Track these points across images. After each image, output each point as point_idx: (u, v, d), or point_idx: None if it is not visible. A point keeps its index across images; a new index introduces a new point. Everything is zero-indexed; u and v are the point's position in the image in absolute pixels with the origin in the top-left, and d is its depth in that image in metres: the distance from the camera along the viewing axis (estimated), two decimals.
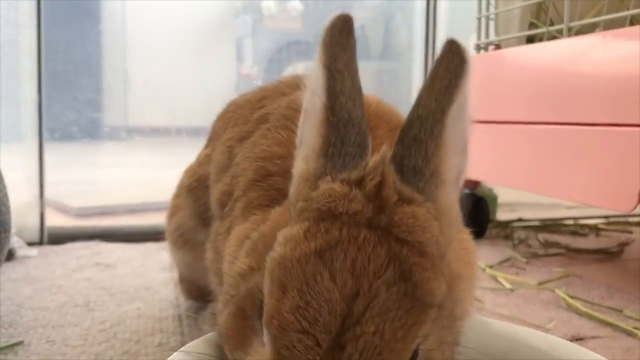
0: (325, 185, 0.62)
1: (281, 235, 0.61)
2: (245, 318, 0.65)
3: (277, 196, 0.80)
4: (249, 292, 0.65)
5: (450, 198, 0.65)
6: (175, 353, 0.72)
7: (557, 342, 0.78)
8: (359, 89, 0.65)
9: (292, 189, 0.68)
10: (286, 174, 0.72)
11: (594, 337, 1.28)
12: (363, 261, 0.56)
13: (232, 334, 0.66)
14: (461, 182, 0.67)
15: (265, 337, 0.59)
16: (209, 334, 0.76)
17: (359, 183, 0.61)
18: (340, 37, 0.64)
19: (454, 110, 0.62)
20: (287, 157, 0.86)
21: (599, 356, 0.74)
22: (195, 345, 0.74)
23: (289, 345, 0.55)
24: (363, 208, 0.59)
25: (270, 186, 0.85)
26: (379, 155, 0.63)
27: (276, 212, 0.75)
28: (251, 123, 1.04)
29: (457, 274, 0.70)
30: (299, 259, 0.57)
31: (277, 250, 0.59)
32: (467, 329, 0.71)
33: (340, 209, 0.60)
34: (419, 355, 0.60)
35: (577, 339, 1.27)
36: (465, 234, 0.86)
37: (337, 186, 0.61)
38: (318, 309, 0.55)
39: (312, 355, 0.54)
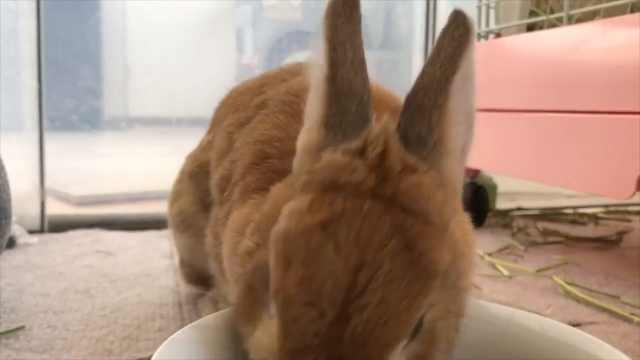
0: (327, 156, 0.62)
1: (285, 209, 0.61)
2: (254, 293, 0.65)
3: (275, 178, 0.79)
4: (256, 268, 0.65)
5: (455, 168, 0.65)
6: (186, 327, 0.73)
7: (548, 323, 0.79)
8: (361, 61, 0.64)
9: (296, 162, 0.68)
10: (284, 156, 0.72)
11: (591, 323, 1.29)
12: (367, 232, 0.56)
13: (242, 309, 0.66)
14: (467, 155, 0.67)
15: (272, 310, 0.59)
16: (221, 311, 0.77)
17: (361, 153, 0.61)
18: (344, 9, 0.64)
19: (458, 79, 0.63)
20: (285, 140, 0.86)
21: (587, 334, 0.74)
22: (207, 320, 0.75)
23: (295, 317, 0.55)
24: (366, 178, 0.59)
25: (267, 169, 0.86)
26: (381, 124, 0.63)
27: (276, 189, 0.75)
28: (250, 109, 1.05)
29: (460, 249, 0.70)
30: (303, 232, 0.57)
31: (282, 223, 0.60)
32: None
33: (343, 180, 0.59)
34: (425, 325, 0.60)
35: (575, 325, 1.28)
36: (464, 217, 0.86)
37: (338, 157, 0.61)
38: (323, 281, 0.55)
39: (317, 327, 0.54)
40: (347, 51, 0.63)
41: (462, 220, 0.84)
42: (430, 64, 0.63)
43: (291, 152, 0.71)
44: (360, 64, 0.64)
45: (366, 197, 0.58)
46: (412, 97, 0.63)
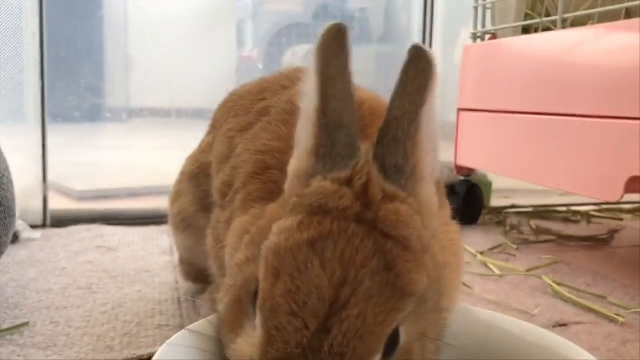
0: (317, 183, 0.66)
1: (276, 227, 0.65)
2: (241, 305, 0.69)
3: (275, 189, 0.83)
4: (245, 281, 0.69)
5: (429, 193, 0.70)
6: (181, 331, 0.77)
7: (529, 328, 0.83)
8: (350, 95, 0.68)
9: (287, 185, 0.72)
10: (284, 167, 0.76)
11: (577, 323, 1.32)
12: (351, 252, 0.60)
13: (228, 318, 0.70)
14: (434, 179, 0.71)
15: (258, 320, 0.63)
16: (211, 316, 0.81)
17: (348, 182, 0.65)
18: (334, 44, 0.68)
19: (426, 111, 0.67)
20: (285, 152, 0.90)
21: (566, 341, 0.78)
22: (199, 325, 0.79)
23: (279, 326, 0.59)
24: (352, 204, 0.64)
25: (268, 179, 0.89)
26: (364, 156, 0.67)
27: (271, 209, 0.79)
28: (252, 114, 1.08)
29: (443, 265, 0.74)
30: (292, 248, 0.61)
31: (272, 239, 0.64)
32: (452, 320, 0.76)
33: (331, 205, 0.64)
34: (401, 346, 0.64)
35: (561, 325, 1.31)
36: (453, 226, 0.90)
37: (328, 184, 0.65)
38: (308, 294, 0.59)
39: (300, 337, 0.58)
40: (336, 85, 0.67)
41: (450, 229, 0.87)
42: (398, 97, 0.67)
43: None
44: (349, 98, 0.68)
45: (351, 221, 0.63)
46: (386, 129, 0.67)
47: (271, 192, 0.83)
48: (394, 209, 0.64)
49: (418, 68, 0.67)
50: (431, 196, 0.70)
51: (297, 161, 0.71)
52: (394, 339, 0.63)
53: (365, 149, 0.68)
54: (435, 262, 0.70)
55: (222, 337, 0.71)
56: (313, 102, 0.68)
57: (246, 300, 0.68)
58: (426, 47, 0.69)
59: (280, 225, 0.65)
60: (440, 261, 0.73)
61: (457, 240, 0.88)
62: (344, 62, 0.68)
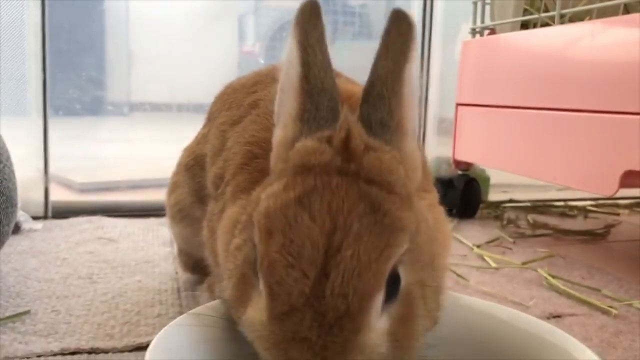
0: (299, 144, 0.69)
1: (264, 193, 0.68)
2: (246, 280, 0.70)
3: (260, 177, 0.85)
4: (246, 258, 0.71)
5: (413, 147, 0.73)
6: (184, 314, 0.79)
7: (517, 315, 0.85)
8: (328, 62, 0.72)
9: (272, 156, 0.75)
10: (269, 155, 0.79)
11: (570, 315, 1.34)
12: (337, 202, 0.63)
13: (236, 296, 0.72)
14: (415, 133, 0.75)
15: (261, 284, 0.65)
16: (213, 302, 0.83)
17: (329, 139, 0.68)
18: (311, 17, 0.72)
19: (408, 69, 0.70)
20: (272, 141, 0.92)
21: (551, 326, 0.80)
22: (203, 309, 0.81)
23: (280, 280, 0.61)
24: (332, 158, 0.66)
25: (254, 169, 0.91)
26: (342, 114, 0.71)
27: (256, 192, 0.81)
28: (243, 108, 1.10)
29: (434, 230, 0.76)
30: (281, 208, 0.64)
31: (262, 205, 0.66)
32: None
33: (313, 162, 0.67)
34: (402, 288, 0.66)
35: (555, 316, 1.33)
36: (439, 209, 0.91)
37: (309, 142, 0.69)
38: (302, 245, 0.61)
39: (301, 286, 0.60)
40: (317, 53, 0.71)
41: (437, 211, 0.89)
42: (382, 57, 0.71)
43: None
44: (328, 65, 0.72)
45: (334, 174, 0.65)
46: (370, 87, 0.71)
47: (257, 181, 0.85)
48: (376, 157, 0.67)
49: (399, 29, 0.70)
50: (414, 150, 0.73)
51: (282, 130, 0.73)
52: (394, 279, 0.65)
53: (345, 109, 0.71)
54: (424, 220, 0.73)
55: (234, 316, 0.72)
56: (296, 70, 0.71)
57: (249, 272, 0.70)
58: (406, 10, 0.72)
59: (268, 191, 0.67)
60: (430, 221, 0.75)
61: (444, 220, 0.90)
62: (321, 33, 0.72)
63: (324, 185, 0.64)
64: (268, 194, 0.67)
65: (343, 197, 0.63)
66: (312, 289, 0.61)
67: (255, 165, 0.91)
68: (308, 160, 0.67)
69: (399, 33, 0.70)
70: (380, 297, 0.63)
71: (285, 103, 0.74)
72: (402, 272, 0.66)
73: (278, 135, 0.74)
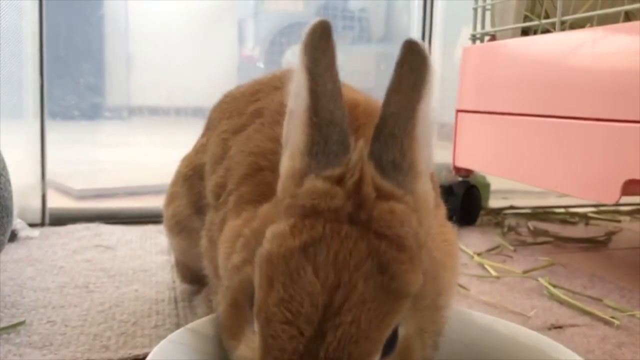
0: (309, 183, 0.66)
1: (269, 232, 0.65)
2: (239, 308, 0.69)
3: (266, 190, 0.83)
4: (242, 283, 0.70)
5: (427, 188, 0.70)
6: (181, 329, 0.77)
7: (522, 331, 0.84)
8: (339, 91, 0.68)
9: (280, 186, 0.72)
10: (276, 168, 0.76)
11: (572, 326, 1.32)
12: (345, 255, 0.60)
13: (228, 323, 0.71)
14: (429, 175, 0.72)
15: (255, 327, 0.63)
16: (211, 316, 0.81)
17: (340, 180, 0.65)
18: (320, 41, 0.67)
19: (422, 107, 0.67)
20: (277, 152, 0.89)
21: (560, 345, 0.78)
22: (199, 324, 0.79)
23: (275, 335, 0.59)
24: (344, 204, 0.63)
25: (260, 181, 0.89)
26: (357, 152, 0.67)
27: (264, 209, 0.79)
28: (245, 116, 1.08)
29: (441, 264, 0.74)
30: (285, 255, 0.61)
31: (265, 246, 0.63)
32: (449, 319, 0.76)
33: (323, 206, 0.63)
34: (399, 342, 0.64)
35: (556, 327, 1.32)
36: (448, 227, 0.90)
37: (319, 183, 0.65)
38: (301, 302, 0.59)
39: (295, 344, 0.59)
40: (326, 82, 0.67)
41: (446, 230, 0.88)
42: (395, 93, 0.67)
43: None
44: (338, 94, 0.68)
45: (344, 222, 0.62)
46: (382, 125, 0.67)
47: (263, 193, 0.83)
48: (389, 208, 0.64)
49: (413, 63, 0.67)
50: (427, 191, 0.70)
51: (290, 161, 0.70)
52: (391, 337, 0.63)
53: (359, 145, 0.67)
54: (432, 259, 0.70)
55: (225, 344, 0.71)
56: (303, 100, 0.68)
57: (244, 302, 0.69)
58: (420, 41, 0.68)
59: (274, 230, 0.64)
60: (437, 258, 0.73)
61: (453, 241, 0.88)
62: (331, 59, 0.68)
63: (332, 234, 0.61)
64: (274, 233, 0.64)
65: (351, 249, 0.61)
66: (306, 347, 0.59)
67: (261, 177, 0.88)
68: (318, 203, 0.64)
69: (412, 68, 0.67)
70: (376, 359, 0.61)
71: (293, 132, 0.71)
72: (401, 327, 0.64)
73: (286, 165, 0.71)
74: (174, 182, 1.35)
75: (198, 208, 1.21)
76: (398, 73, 0.67)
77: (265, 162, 0.91)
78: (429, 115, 0.68)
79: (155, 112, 3.85)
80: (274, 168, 0.83)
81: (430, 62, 0.67)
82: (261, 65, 4.12)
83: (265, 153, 0.92)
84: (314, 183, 0.66)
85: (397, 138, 0.66)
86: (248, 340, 0.66)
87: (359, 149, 0.67)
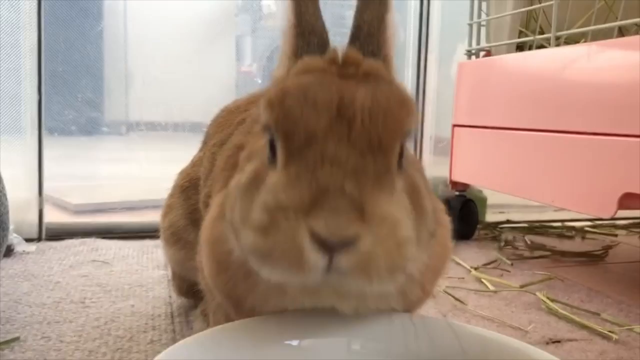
0: (298, 64, 0.75)
1: (271, 85, 0.72)
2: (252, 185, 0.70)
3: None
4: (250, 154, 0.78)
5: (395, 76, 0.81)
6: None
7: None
8: (319, 12, 0.80)
9: (266, 91, 0.78)
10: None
11: (570, 340, 1.32)
12: (341, 83, 0.67)
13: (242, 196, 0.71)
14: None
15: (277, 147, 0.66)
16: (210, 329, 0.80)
17: (329, 58, 0.74)
18: None
19: (389, 16, 0.80)
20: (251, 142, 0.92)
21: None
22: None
23: (296, 119, 0.64)
24: (331, 66, 0.72)
25: (232, 166, 0.91)
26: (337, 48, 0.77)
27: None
28: (232, 126, 1.11)
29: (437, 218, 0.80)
30: (287, 89, 0.67)
31: (269, 91, 0.69)
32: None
33: (313, 67, 0.72)
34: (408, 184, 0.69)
35: (554, 342, 1.31)
36: (444, 221, 0.91)
37: (308, 59, 0.75)
38: (315, 97, 0.64)
39: (319, 119, 0.63)
40: (308, 5, 0.79)
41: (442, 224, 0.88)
42: (364, 8, 0.80)
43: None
44: (318, 14, 0.80)
45: (334, 74, 0.70)
46: (357, 30, 0.79)
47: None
48: (373, 62, 0.74)
49: None
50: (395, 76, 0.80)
51: (279, 69, 0.80)
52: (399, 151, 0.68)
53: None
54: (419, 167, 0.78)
55: (238, 223, 0.70)
56: (290, 19, 0.79)
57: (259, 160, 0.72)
58: None
59: (276, 80, 0.75)
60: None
61: (446, 233, 0.89)
62: None
63: (327, 77, 0.68)
64: (276, 81, 0.72)
65: (346, 80, 0.68)
66: (331, 123, 0.63)
67: (232, 162, 0.91)
68: (307, 66, 0.72)
69: None
70: (398, 148, 0.66)
71: (282, 48, 0.80)
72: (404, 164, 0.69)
73: (275, 74, 0.80)
74: (171, 195, 1.36)
75: (193, 220, 1.21)
76: None
77: (239, 151, 0.92)
78: (394, 25, 0.81)
79: (153, 127, 3.85)
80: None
81: None
82: (259, 80, 4.14)
83: (241, 147, 0.93)
84: (304, 59, 0.75)
85: (373, 37, 0.78)
86: (267, 179, 0.68)
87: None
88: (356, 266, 0.59)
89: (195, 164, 1.32)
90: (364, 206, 0.59)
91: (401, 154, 0.68)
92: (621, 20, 1.68)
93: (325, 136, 0.61)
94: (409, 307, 0.82)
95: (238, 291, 0.79)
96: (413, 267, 0.69)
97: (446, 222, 0.90)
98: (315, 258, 0.58)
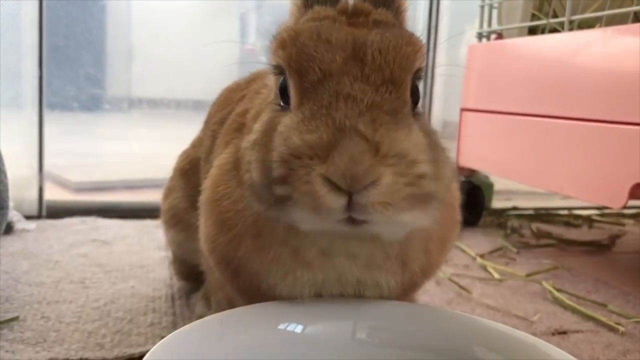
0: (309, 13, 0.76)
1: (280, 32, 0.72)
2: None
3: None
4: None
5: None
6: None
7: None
8: None
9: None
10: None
11: (576, 332, 1.30)
12: (351, 29, 0.69)
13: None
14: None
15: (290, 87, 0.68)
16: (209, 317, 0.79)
17: (340, 8, 0.76)
18: None
19: None
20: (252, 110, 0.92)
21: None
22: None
23: (310, 57, 0.66)
24: (341, 15, 0.73)
25: (234, 130, 0.93)
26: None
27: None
28: (233, 104, 1.08)
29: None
30: (301, 29, 0.69)
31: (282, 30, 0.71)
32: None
33: (323, 15, 0.73)
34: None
35: (560, 333, 1.30)
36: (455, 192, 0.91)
37: (318, 8, 0.76)
38: (329, 34, 0.66)
39: (333, 56, 0.65)
40: None
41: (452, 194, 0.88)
42: None
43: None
44: None
45: (344, 23, 0.72)
46: None
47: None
48: (383, 12, 0.75)
49: None
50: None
51: (290, 21, 0.80)
52: (414, 90, 0.70)
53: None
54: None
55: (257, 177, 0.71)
56: None
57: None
58: None
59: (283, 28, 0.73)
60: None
61: (456, 204, 0.91)
62: None
63: (337, 21, 0.71)
64: (285, 27, 0.73)
65: (356, 25, 0.70)
66: (345, 60, 0.64)
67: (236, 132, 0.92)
68: (318, 14, 0.73)
69: None
70: (410, 82, 0.68)
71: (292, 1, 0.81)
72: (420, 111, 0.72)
73: (287, 26, 0.78)
74: (172, 177, 1.34)
75: (194, 202, 1.18)
76: None
77: (242, 119, 0.93)
78: None
79: (155, 105, 3.82)
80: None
81: None
82: (263, 58, 4.09)
83: (242, 114, 0.94)
84: (314, 10, 0.76)
85: None
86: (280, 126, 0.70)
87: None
88: (376, 199, 0.61)
89: (195, 144, 1.30)
90: (380, 146, 0.60)
91: (415, 93, 0.70)
92: (637, 5, 1.63)
93: (340, 73, 0.63)
94: (412, 279, 0.80)
95: (241, 252, 0.77)
96: (436, 203, 0.69)
97: (457, 193, 0.91)
98: (334, 201, 0.60)
